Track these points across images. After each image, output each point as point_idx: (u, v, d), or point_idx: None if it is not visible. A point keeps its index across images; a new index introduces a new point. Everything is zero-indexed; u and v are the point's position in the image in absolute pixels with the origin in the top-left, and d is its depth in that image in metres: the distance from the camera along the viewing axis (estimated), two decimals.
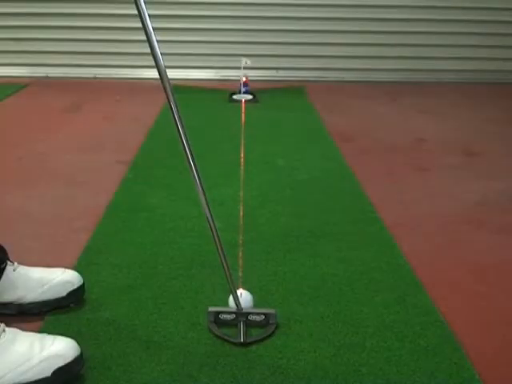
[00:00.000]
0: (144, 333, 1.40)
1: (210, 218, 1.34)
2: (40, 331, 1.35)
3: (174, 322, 1.45)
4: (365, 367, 1.30)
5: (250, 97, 3.75)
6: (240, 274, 1.63)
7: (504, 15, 4.37)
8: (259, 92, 3.83)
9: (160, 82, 1.23)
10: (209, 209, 1.33)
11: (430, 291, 1.61)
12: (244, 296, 1.45)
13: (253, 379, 1.26)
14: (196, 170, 1.29)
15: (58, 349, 1.21)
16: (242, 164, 2.56)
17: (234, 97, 3.75)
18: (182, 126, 1.25)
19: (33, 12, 4.22)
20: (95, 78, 4.35)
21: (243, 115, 3.40)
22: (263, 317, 1.43)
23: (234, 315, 1.43)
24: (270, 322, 1.43)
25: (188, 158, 1.28)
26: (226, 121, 3.31)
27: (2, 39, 4.27)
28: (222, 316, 1.43)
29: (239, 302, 1.43)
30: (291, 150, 2.83)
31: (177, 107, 1.24)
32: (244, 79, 3.74)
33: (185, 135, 1.26)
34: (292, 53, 4.39)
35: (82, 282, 1.50)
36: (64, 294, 1.47)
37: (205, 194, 1.31)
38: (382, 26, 4.35)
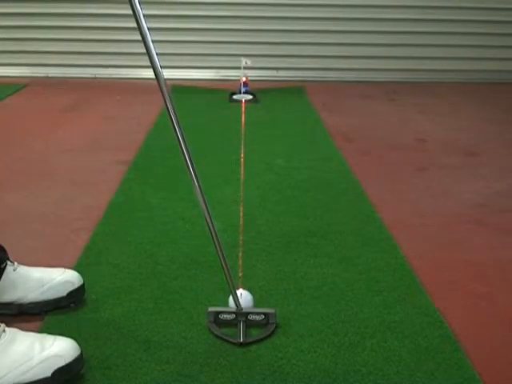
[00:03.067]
0: (144, 333, 1.40)
1: (208, 219, 1.33)
2: (40, 331, 1.35)
3: (174, 322, 1.45)
4: (365, 367, 1.30)
5: (250, 97, 3.75)
6: (240, 274, 1.63)
7: (504, 15, 4.37)
8: (259, 92, 3.83)
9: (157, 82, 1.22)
10: (207, 209, 1.32)
11: (429, 291, 1.61)
12: (244, 296, 1.45)
13: (253, 379, 1.26)
14: (194, 172, 1.28)
15: (58, 349, 1.21)
16: (242, 164, 2.56)
17: (234, 97, 3.75)
18: (180, 128, 1.24)
19: (33, 12, 4.22)
20: (95, 78, 4.35)
21: (243, 115, 3.40)
22: (263, 316, 1.43)
23: (234, 315, 1.43)
24: (270, 321, 1.42)
25: (186, 159, 1.27)
26: (226, 121, 3.31)
27: (2, 39, 4.27)
28: (222, 316, 1.43)
29: (239, 302, 1.43)
30: (291, 150, 2.83)
31: (174, 108, 1.23)
32: (244, 79, 3.74)
33: (182, 137, 1.25)
34: (292, 53, 4.39)
35: (82, 281, 1.51)
36: (64, 293, 1.47)
37: (203, 195, 1.31)
38: (382, 26, 4.36)
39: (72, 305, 1.48)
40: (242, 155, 2.66)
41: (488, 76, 4.47)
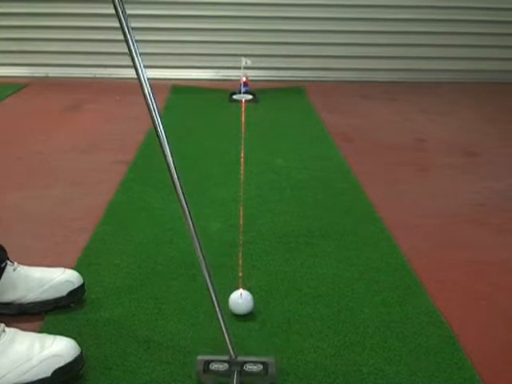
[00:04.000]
0: (144, 333, 1.40)
1: (199, 249, 1.23)
2: (40, 331, 1.35)
3: (174, 322, 1.45)
4: (365, 367, 1.30)
5: (250, 97, 3.74)
6: (240, 274, 1.63)
7: (504, 15, 4.37)
8: (259, 92, 3.83)
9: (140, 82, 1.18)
10: (198, 238, 1.22)
11: (429, 291, 1.61)
12: (244, 296, 1.45)
13: None
14: (183, 193, 1.20)
15: (58, 349, 1.21)
16: (242, 164, 2.56)
17: (234, 97, 3.75)
18: (166, 140, 1.17)
19: (33, 12, 4.22)
20: (95, 77, 4.35)
21: (243, 115, 3.40)
22: (261, 366, 1.23)
23: (227, 364, 1.23)
24: (269, 371, 1.22)
25: (170, 168, 1.17)
26: (226, 121, 3.31)
27: (2, 39, 4.27)
28: (213, 366, 1.23)
29: (233, 347, 1.22)
30: (291, 150, 2.83)
31: (159, 112, 1.16)
32: (244, 79, 3.74)
33: (167, 143, 1.18)
34: (292, 53, 4.39)
35: (82, 281, 1.50)
36: (64, 293, 1.47)
37: (191, 216, 1.21)
38: (382, 26, 4.35)
39: (72, 304, 1.48)
40: (242, 155, 2.65)
41: (488, 76, 4.46)
